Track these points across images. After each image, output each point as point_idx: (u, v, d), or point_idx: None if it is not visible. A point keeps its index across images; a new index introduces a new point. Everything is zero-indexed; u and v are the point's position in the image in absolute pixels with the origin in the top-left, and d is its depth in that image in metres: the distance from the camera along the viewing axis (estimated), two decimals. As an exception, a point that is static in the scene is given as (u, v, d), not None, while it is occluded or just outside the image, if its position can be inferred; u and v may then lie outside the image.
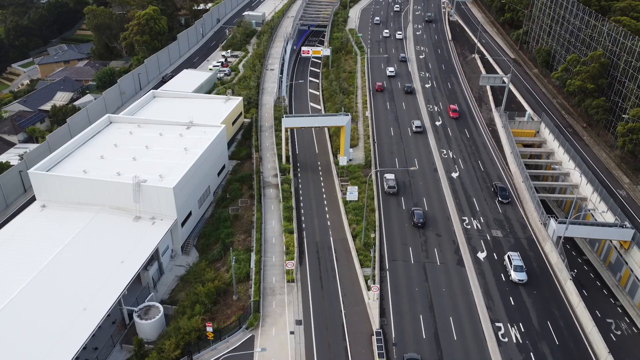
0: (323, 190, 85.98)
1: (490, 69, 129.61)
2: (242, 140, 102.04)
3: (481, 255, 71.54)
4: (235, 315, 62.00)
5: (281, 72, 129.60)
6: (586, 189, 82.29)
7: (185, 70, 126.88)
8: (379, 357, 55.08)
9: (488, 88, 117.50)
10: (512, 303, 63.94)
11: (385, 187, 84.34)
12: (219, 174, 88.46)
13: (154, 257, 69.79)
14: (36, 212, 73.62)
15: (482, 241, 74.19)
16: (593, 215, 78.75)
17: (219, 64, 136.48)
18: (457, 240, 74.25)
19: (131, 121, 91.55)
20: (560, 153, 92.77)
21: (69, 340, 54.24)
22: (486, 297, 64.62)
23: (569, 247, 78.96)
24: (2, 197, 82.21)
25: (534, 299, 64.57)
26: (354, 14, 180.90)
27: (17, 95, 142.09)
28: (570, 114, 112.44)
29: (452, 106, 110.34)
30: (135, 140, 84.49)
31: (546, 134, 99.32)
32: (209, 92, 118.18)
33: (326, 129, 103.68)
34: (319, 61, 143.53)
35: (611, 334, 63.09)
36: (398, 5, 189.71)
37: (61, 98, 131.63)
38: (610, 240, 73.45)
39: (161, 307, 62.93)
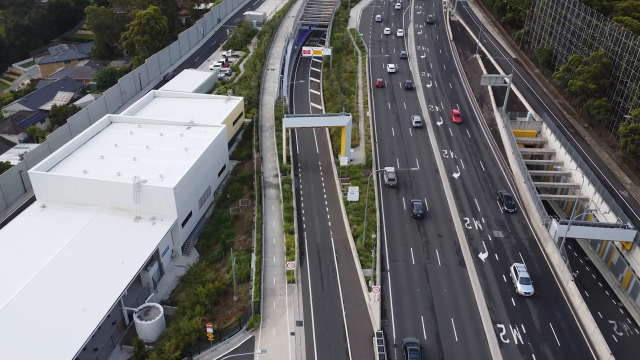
0: (324, 190, 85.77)
1: (491, 69, 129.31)
2: (243, 140, 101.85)
3: (482, 256, 71.29)
4: (236, 316, 61.79)
5: (282, 72, 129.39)
6: (588, 190, 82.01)
7: (185, 70, 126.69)
8: (379, 359, 54.85)
9: (489, 88, 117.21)
10: (514, 304, 63.68)
11: (385, 179, 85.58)
12: (219, 174, 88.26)
13: (154, 257, 69.60)
14: (36, 212, 73.44)
15: (483, 242, 73.93)
16: (595, 216, 78.46)
17: (220, 63, 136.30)
18: (458, 241, 74.01)
19: (131, 121, 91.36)
20: (561, 153, 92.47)
21: (69, 341, 54.06)
22: (487, 298, 64.37)
23: (571, 248, 78.66)
24: (2, 197, 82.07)
25: (536, 300, 64.27)
26: (355, 13, 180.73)
27: (17, 95, 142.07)
28: (572, 114, 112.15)
29: (454, 111, 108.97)
30: (136, 140, 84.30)
31: (548, 134, 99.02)
32: (210, 92, 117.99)
33: (327, 129, 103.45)
34: (320, 61, 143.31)
35: (613, 336, 62.75)
36: (399, 4, 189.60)
37: (62, 98, 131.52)
38: (612, 241, 73.16)
39: (161, 308, 62.72)
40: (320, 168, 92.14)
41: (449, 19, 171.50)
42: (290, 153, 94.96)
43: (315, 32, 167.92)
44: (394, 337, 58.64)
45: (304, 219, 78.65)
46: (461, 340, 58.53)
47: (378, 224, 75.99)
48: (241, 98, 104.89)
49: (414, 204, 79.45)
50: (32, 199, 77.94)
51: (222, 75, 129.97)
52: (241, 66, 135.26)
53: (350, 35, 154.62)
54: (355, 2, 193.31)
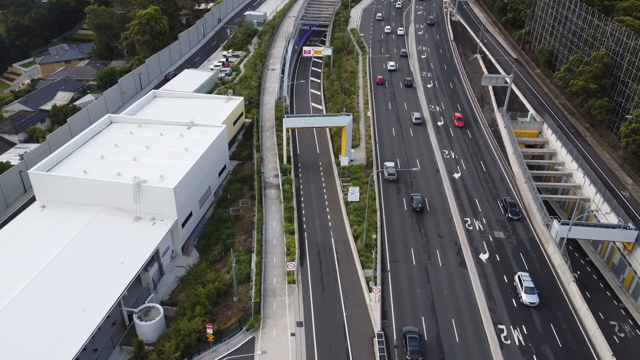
0: (324, 190, 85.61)
1: (492, 69, 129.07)
2: (243, 141, 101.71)
3: (483, 257, 71.10)
4: (236, 317, 61.65)
5: (282, 72, 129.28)
6: (589, 190, 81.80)
7: (186, 70, 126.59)
8: (380, 360, 54.75)
9: (490, 88, 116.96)
10: (515, 305, 63.49)
11: (386, 174, 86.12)
12: (219, 174, 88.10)
13: (154, 258, 69.45)
14: (36, 212, 73.32)
15: (484, 242, 73.74)
16: (596, 217, 78.25)
17: (220, 63, 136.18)
18: (459, 241, 73.81)
19: (132, 121, 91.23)
20: (562, 154, 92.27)
21: (69, 341, 53.93)
22: (488, 299, 64.18)
23: (572, 249, 78.42)
24: (2, 197, 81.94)
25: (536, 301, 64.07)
26: (356, 13, 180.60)
27: (17, 95, 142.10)
28: (573, 115, 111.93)
29: (457, 114, 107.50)
30: (136, 141, 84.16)
31: (549, 134, 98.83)
32: (210, 92, 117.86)
33: (327, 129, 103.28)
34: (321, 61, 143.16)
35: (614, 336, 62.54)
36: (400, 3, 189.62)
37: (62, 98, 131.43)
38: (614, 242, 72.97)
39: (161, 309, 62.59)
40: (321, 168, 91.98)
41: (450, 19, 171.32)
42: (291, 153, 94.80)
43: (316, 32, 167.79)
44: (395, 337, 58.47)
45: (304, 219, 78.49)
46: (462, 341, 58.35)
47: (379, 224, 75.80)
48: (241, 98, 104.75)
49: (414, 197, 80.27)
50: (32, 199, 77.82)
51: (223, 75, 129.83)
52: (241, 66, 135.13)
53: (350, 35, 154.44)
54: (355, 2, 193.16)
